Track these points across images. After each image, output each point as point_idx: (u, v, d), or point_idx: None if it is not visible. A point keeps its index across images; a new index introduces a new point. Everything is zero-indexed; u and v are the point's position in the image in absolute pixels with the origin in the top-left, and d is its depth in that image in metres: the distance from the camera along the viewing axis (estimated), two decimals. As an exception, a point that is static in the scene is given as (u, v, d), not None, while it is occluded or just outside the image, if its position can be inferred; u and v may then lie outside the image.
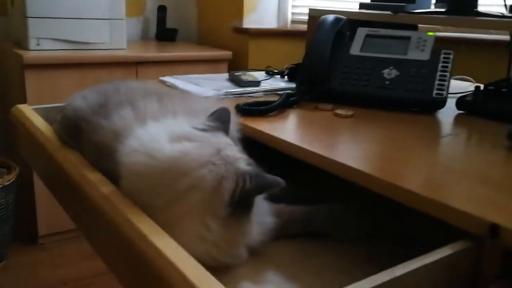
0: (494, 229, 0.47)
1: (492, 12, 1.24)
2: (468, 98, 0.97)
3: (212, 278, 0.42)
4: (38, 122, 0.85)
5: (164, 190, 0.53)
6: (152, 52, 2.33)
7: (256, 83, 1.12)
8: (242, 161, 0.56)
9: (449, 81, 0.95)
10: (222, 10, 2.59)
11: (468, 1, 1.25)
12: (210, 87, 1.09)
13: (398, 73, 0.98)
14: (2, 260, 1.94)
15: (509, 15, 1.23)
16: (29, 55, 1.91)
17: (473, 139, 0.83)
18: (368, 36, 1.07)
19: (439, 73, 0.96)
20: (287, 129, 0.84)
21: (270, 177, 0.55)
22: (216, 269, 0.44)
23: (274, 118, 0.86)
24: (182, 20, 2.86)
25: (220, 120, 0.62)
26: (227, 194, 0.53)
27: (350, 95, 0.99)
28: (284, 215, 0.65)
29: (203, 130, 0.59)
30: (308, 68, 1.01)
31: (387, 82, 0.98)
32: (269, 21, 2.51)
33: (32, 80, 1.92)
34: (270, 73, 1.30)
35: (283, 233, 0.63)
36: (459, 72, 1.29)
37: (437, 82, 0.95)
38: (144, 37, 2.77)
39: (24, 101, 1.88)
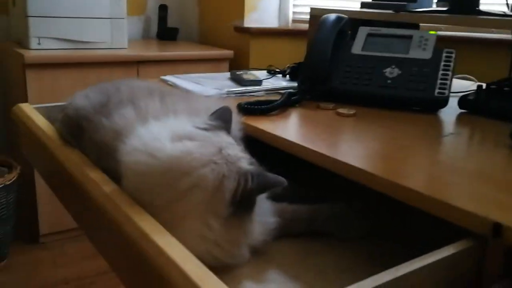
0: (497, 228, 0.47)
1: (494, 11, 1.23)
2: (470, 97, 0.96)
3: (214, 277, 0.42)
4: (40, 121, 0.85)
5: (165, 189, 0.53)
6: (153, 51, 2.33)
7: (258, 82, 1.12)
8: (244, 160, 0.56)
9: (451, 80, 0.95)
10: (223, 9, 2.59)
11: (470, 0, 1.25)
12: (212, 86, 1.08)
13: (400, 72, 0.98)
14: (4, 259, 1.94)
15: (511, 14, 1.23)
16: (30, 55, 1.91)
17: (475, 138, 0.83)
18: (369, 35, 1.07)
19: (441, 72, 0.96)
20: (289, 128, 0.84)
21: (272, 176, 0.55)
22: (218, 268, 0.44)
23: (276, 117, 0.86)
24: (183, 19, 2.86)
25: (221, 119, 0.62)
26: (228, 194, 0.52)
27: (351, 94, 0.99)
28: (287, 214, 0.65)
29: (204, 129, 0.59)
30: (309, 67, 1.01)
31: (389, 81, 0.97)
32: (270, 20, 2.51)
33: (33, 79, 1.92)
34: (272, 72, 1.30)
35: (285, 232, 0.63)
36: (461, 71, 1.29)
37: (439, 81, 0.95)
38: (145, 36, 2.77)
39: (25, 100, 1.88)
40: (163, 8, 2.67)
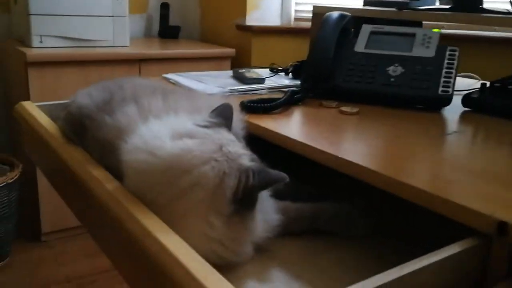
0: (502, 227, 0.46)
1: (497, 9, 1.23)
2: (474, 95, 0.96)
3: (217, 274, 0.42)
4: (42, 119, 0.85)
5: (166, 187, 0.52)
6: (155, 49, 2.32)
7: (261, 80, 1.12)
8: (245, 157, 0.56)
9: (454, 78, 0.95)
10: (225, 7, 2.58)
11: (473, -2, 1.24)
12: (214, 84, 1.08)
13: (403, 70, 0.98)
14: (6, 258, 1.95)
15: (515, 12, 1.22)
16: (32, 53, 1.91)
17: (479, 136, 0.82)
18: (372, 33, 1.06)
19: (444, 70, 0.95)
20: (292, 126, 0.83)
21: (273, 172, 0.55)
22: (221, 266, 0.44)
23: (278, 115, 0.86)
24: (185, 17, 2.86)
25: (222, 116, 0.62)
26: (229, 191, 0.52)
27: (355, 92, 0.99)
28: (290, 212, 0.64)
29: (205, 126, 0.59)
30: (312, 65, 1.01)
31: (392, 79, 0.97)
32: (272, 19, 2.50)
33: (35, 78, 1.92)
34: (274, 71, 1.29)
35: (288, 230, 0.63)
36: (464, 69, 1.28)
37: (442, 79, 0.94)
38: (147, 34, 2.77)
39: (27, 98, 1.88)
40: (165, 6, 2.66)
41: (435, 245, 0.48)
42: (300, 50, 1.79)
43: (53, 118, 0.85)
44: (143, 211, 0.52)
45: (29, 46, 1.99)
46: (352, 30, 1.10)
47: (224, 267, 0.45)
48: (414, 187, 0.54)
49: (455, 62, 0.96)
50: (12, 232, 1.96)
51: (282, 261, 0.59)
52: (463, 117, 0.92)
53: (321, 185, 0.76)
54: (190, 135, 0.56)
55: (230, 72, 1.25)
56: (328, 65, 0.99)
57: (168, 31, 2.69)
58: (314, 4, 1.54)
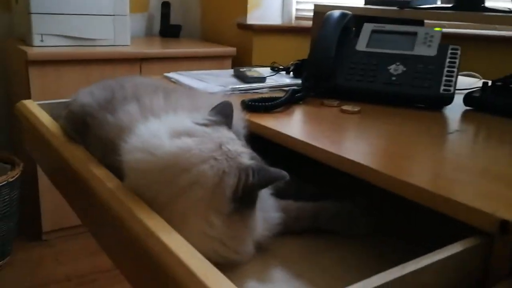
0: (504, 226, 0.46)
1: (499, 8, 1.23)
2: (476, 94, 0.96)
3: (219, 273, 0.42)
4: (43, 117, 0.85)
5: (165, 186, 0.52)
6: (156, 48, 2.32)
7: (262, 79, 1.12)
8: (245, 155, 0.55)
9: (456, 77, 0.95)
10: (226, 6, 2.58)
11: (475, -3, 1.24)
12: (216, 83, 1.08)
13: (404, 69, 0.97)
14: (7, 256, 1.95)
15: (517, 10, 1.22)
16: (33, 51, 1.90)
17: (481, 135, 0.82)
18: (374, 31, 1.06)
19: (446, 69, 0.95)
20: (293, 125, 0.83)
21: (273, 170, 0.54)
22: (222, 265, 0.44)
23: (280, 114, 0.86)
24: (186, 16, 2.86)
25: (222, 114, 0.62)
26: (229, 190, 0.52)
27: (356, 91, 0.98)
28: (291, 211, 0.64)
29: (204, 125, 0.58)
30: (313, 64, 1.01)
31: (393, 78, 0.97)
32: (273, 17, 2.50)
33: (36, 76, 1.92)
34: (276, 69, 1.29)
35: (289, 229, 0.63)
36: (465, 68, 1.28)
37: (444, 78, 0.94)
38: (148, 33, 2.77)
39: (28, 97, 1.88)
40: (166, 5, 2.66)
41: (437, 244, 0.48)
42: (301, 49, 1.79)
43: (54, 116, 0.85)
44: (145, 210, 0.52)
45: (30, 45, 1.99)
46: (354, 29, 1.10)
47: (225, 266, 0.45)
48: (416, 186, 0.54)
49: (457, 61, 0.96)
50: (13, 231, 1.96)
51: (283, 260, 0.59)
52: (465, 116, 0.92)
53: (323, 184, 0.76)
54: (189, 134, 0.56)
55: (231, 71, 1.25)
56: (329, 64, 0.99)
57: (169, 30, 2.68)
58: (315, 3, 1.54)
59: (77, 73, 2.00)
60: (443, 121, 0.89)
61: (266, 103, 0.86)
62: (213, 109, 0.63)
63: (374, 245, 0.63)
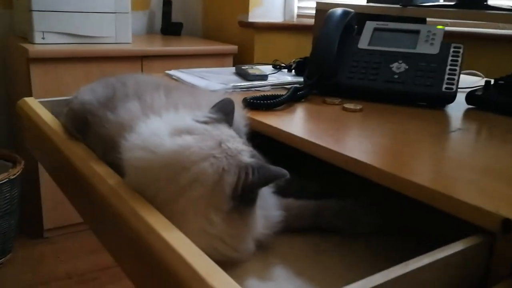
0: (507, 224, 0.46)
1: (502, 6, 1.22)
2: (478, 93, 0.96)
3: (221, 271, 0.41)
4: (45, 115, 0.85)
5: (165, 185, 0.52)
6: (158, 46, 2.32)
7: (264, 77, 1.11)
8: (245, 153, 0.55)
9: (459, 75, 0.94)
10: (228, 4, 2.58)
11: (478, -5, 1.24)
12: (217, 80, 1.08)
13: (407, 67, 0.97)
14: (8, 254, 1.95)
15: (519, 9, 1.22)
16: (34, 49, 1.91)
17: (483, 133, 0.82)
18: (376, 29, 1.06)
19: (448, 67, 0.95)
20: (295, 123, 0.83)
21: (273, 168, 0.54)
22: (223, 263, 0.44)
23: (282, 112, 0.86)
24: (188, 14, 2.85)
25: (223, 111, 0.61)
26: (229, 188, 0.52)
27: (358, 89, 0.98)
28: (293, 209, 0.64)
29: (204, 122, 0.58)
30: (316, 62, 1.00)
31: (395, 76, 0.97)
32: (275, 15, 2.50)
33: (37, 74, 1.92)
34: (277, 67, 1.29)
35: (291, 228, 0.62)
36: (468, 67, 1.28)
37: (446, 76, 0.94)
38: (149, 31, 2.77)
39: (29, 94, 1.89)
40: (167, 3, 2.66)
41: (440, 243, 0.47)
42: (303, 47, 1.79)
43: (55, 114, 0.85)
44: (146, 208, 0.52)
45: (31, 42, 1.99)
46: (356, 26, 1.10)
47: (226, 264, 0.44)
48: (418, 184, 0.54)
49: (459, 59, 0.96)
50: (14, 228, 1.96)
51: (284, 258, 0.59)
52: (467, 114, 0.92)
53: (325, 182, 0.76)
54: (189, 132, 0.55)
55: (233, 69, 1.25)
56: (331, 62, 0.99)
57: (170, 28, 2.68)
58: (317, 1, 1.54)
59: (78, 70, 2.00)
60: (445, 120, 0.88)
61: (268, 101, 0.86)
62: (214, 106, 0.62)
63: (376, 243, 0.63)
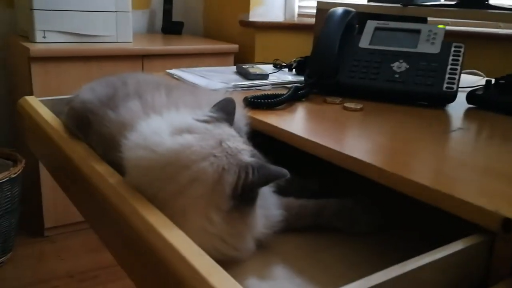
0: (507, 224, 0.46)
1: (503, 5, 1.22)
2: (479, 92, 0.95)
3: (221, 270, 0.42)
4: (45, 114, 0.85)
5: (166, 183, 0.52)
6: (158, 45, 2.32)
7: (264, 76, 1.11)
8: (245, 153, 0.55)
9: (459, 74, 0.94)
10: (229, 3, 2.58)
11: (479, -6, 1.23)
12: (218, 79, 1.08)
13: (407, 67, 0.97)
14: (8, 252, 1.95)
15: (520, 8, 1.22)
16: (36, 48, 1.91)
17: (483, 133, 0.82)
18: (377, 29, 1.06)
19: (449, 66, 0.95)
20: (295, 122, 0.83)
21: (274, 168, 0.54)
22: (223, 262, 0.44)
23: (282, 111, 0.86)
24: (188, 13, 2.85)
25: (224, 111, 0.61)
26: (228, 187, 0.52)
27: (359, 88, 0.98)
28: (293, 209, 0.64)
29: (205, 121, 0.58)
30: (316, 61, 1.00)
31: (396, 76, 0.97)
32: (276, 14, 2.50)
33: (38, 73, 1.92)
34: (278, 66, 1.29)
35: (292, 227, 0.62)
36: (468, 66, 1.28)
37: (447, 75, 0.94)
38: (150, 30, 2.77)
39: (30, 93, 1.89)
40: (168, 2, 2.66)
41: (440, 242, 0.47)
42: (303, 46, 1.78)
43: (56, 113, 0.85)
44: (146, 206, 0.52)
45: (32, 41, 1.99)
46: (357, 26, 1.10)
47: (226, 263, 0.45)
48: (418, 183, 0.54)
49: (460, 58, 0.96)
50: (14, 227, 1.96)
51: (284, 257, 0.59)
52: (468, 114, 0.92)
53: (325, 182, 0.76)
54: (190, 130, 0.56)
55: (234, 68, 1.25)
56: (332, 61, 0.99)
57: (171, 27, 2.68)
58: (318, 0, 1.54)
59: (79, 69, 2.00)
60: (446, 119, 0.88)
61: (269, 100, 0.86)
62: (215, 105, 0.62)
63: (376, 242, 0.63)
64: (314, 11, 1.55)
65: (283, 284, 0.54)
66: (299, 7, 2.54)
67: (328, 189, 0.72)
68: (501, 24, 1.58)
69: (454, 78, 0.93)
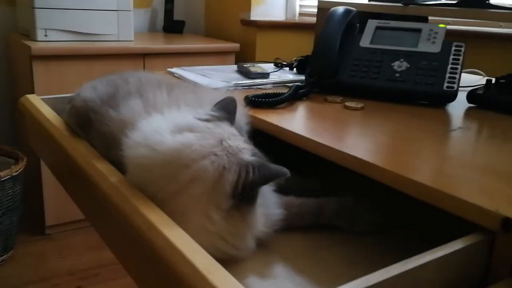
0: (506, 223, 0.46)
1: (504, 5, 1.22)
2: (479, 92, 0.95)
3: (222, 269, 0.42)
4: (47, 112, 0.85)
5: (166, 182, 0.52)
6: (160, 44, 2.32)
7: (265, 75, 1.11)
8: (246, 152, 0.55)
9: (460, 74, 0.94)
10: (230, 2, 2.58)
11: (480, -7, 1.23)
12: (219, 78, 1.08)
13: (408, 66, 0.97)
14: (10, 250, 1.96)
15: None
16: (37, 46, 1.91)
17: (484, 132, 0.82)
18: (378, 28, 1.06)
19: (450, 66, 0.95)
20: (296, 121, 0.83)
21: (274, 167, 0.54)
22: (223, 261, 0.44)
23: (283, 110, 0.86)
24: (190, 12, 2.85)
25: (225, 110, 0.61)
26: (229, 186, 0.52)
27: (359, 87, 0.98)
28: (294, 207, 0.64)
29: (206, 120, 0.58)
30: (317, 60, 1.01)
31: (397, 75, 0.97)
32: (277, 13, 2.50)
33: (39, 71, 1.93)
34: (279, 65, 1.29)
35: (292, 225, 0.63)
36: (469, 65, 1.28)
37: (448, 75, 0.94)
38: (151, 29, 2.77)
39: (32, 92, 1.89)
40: (169, 1, 2.66)
41: (440, 241, 0.47)
42: (304, 45, 1.79)
43: (58, 111, 0.85)
44: (147, 205, 0.52)
45: (34, 39, 2.00)
46: (358, 25, 1.10)
47: (226, 262, 0.45)
48: (419, 182, 0.54)
49: (461, 58, 0.96)
50: (16, 225, 1.97)
51: (285, 256, 0.59)
52: (468, 113, 0.92)
53: (325, 181, 0.76)
54: (190, 129, 0.56)
55: (235, 67, 1.25)
56: (333, 61, 0.99)
57: (172, 26, 2.68)
58: (319, -1, 1.54)
59: (80, 68, 2.00)
60: (446, 118, 0.88)
61: (270, 99, 0.86)
62: (216, 104, 0.63)
63: (376, 241, 0.63)
64: (315, 10, 1.55)
65: (283, 283, 0.54)
66: (300, 6, 2.54)
67: (328, 188, 0.72)
68: (501, 23, 1.58)
69: (455, 78, 0.93)
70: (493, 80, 0.97)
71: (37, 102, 0.90)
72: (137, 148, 0.55)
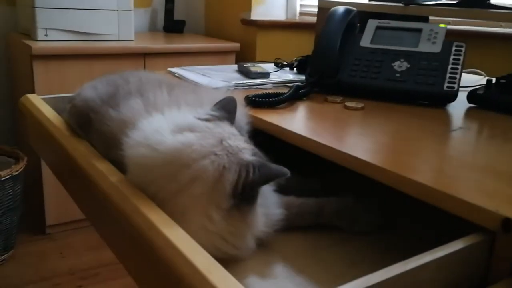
0: (507, 223, 0.46)
1: (505, 5, 1.22)
2: (480, 92, 0.95)
3: (221, 268, 0.42)
4: (47, 111, 0.85)
5: (167, 182, 0.52)
6: (160, 43, 2.32)
7: (266, 75, 1.11)
8: (246, 151, 0.55)
9: (460, 74, 0.94)
10: (230, 1, 2.58)
11: (481, -7, 1.23)
12: (220, 78, 1.08)
13: (408, 66, 0.97)
14: (10, 250, 1.96)
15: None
16: (37, 46, 1.91)
17: (484, 132, 0.82)
18: (378, 28, 1.06)
19: (450, 66, 0.95)
20: (296, 121, 0.83)
21: (274, 166, 0.54)
22: (223, 260, 0.44)
23: (284, 110, 0.86)
24: (190, 11, 2.85)
25: (225, 109, 0.62)
26: (229, 185, 0.52)
27: (360, 87, 0.98)
28: (294, 207, 0.64)
29: (206, 120, 0.58)
30: (317, 60, 1.01)
31: (397, 75, 0.97)
32: (277, 13, 2.50)
33: (40, 71, 1.93)
34: (279, 65, 1.29)
35: (292, 225, 0.63)
36: (469, 65, 1.28)
37: (448, 75, 0.94)
38: (151, 28, 2.77)
39: (32, 91, 1.89)
40: (169, 1, 2.66)
41: (440, 241, 0.47)
42: (305, 45, 1.79)
43: (58, 111, 0.85)
44: (147, 205, 0.52)
45: (34, 39, 2.00)
46: (358, 25, 1.10)
47: (226, 261, 0.45)
48: (419, 183, 0.54)
49: (461, 58, 0.96)
50: (16, 225, 1.97)
51: (285, 255, 0.59)
52: (468, 113, 0.92)
53: (326, 181, 0.76)
54: (191, 129, 0.56)
55: (235, 67, 1.25)
56: (333, 60, 0.99)
57: (172, 26, 2.68)
58: (320, -1, 1.53)
59: (81, 67, 2.00)
60: (446, 118, 0.88)
61: (270, 99, 0.86)
62: (216, 104, 0.63)
63: (376, 241, 0.63)
64: (316, 10, 1.55)
65: (283, 283, 0.54)
66: (301, 6, 2.54)
67: (329, 188, 0.72)
68: (502, 23, 1.58)
69: (455, 78, 0.93)
70: (494, 80, 0.97)
71: (38, 101, 0.90)
72: (138, 147, 0.55)
